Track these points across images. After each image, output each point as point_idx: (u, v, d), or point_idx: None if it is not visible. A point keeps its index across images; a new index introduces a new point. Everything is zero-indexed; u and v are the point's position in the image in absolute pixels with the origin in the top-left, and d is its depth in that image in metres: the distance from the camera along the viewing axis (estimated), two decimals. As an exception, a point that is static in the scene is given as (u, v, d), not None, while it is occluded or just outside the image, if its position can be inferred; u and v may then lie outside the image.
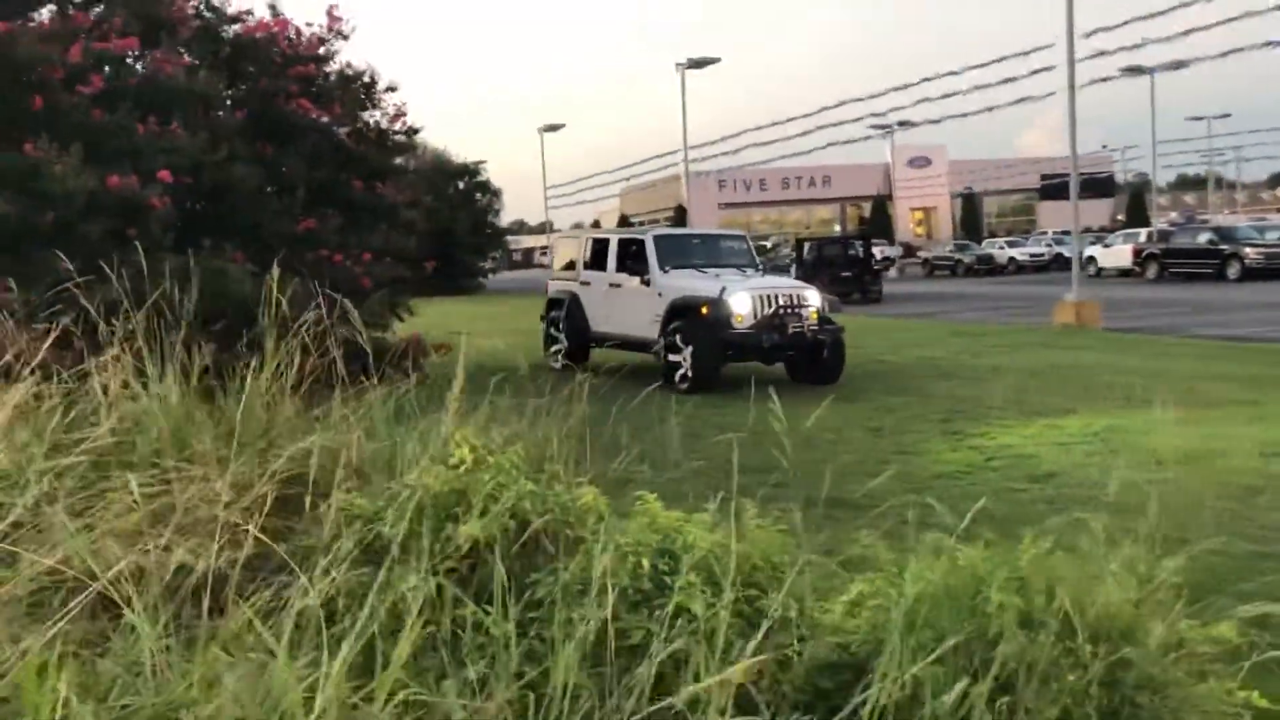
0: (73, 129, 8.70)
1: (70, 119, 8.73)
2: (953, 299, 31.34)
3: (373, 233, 11.88)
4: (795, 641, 2.92)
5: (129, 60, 10.12)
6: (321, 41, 12.06)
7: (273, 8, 11.87)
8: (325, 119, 11.77)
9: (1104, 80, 33.98)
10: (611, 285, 13.97)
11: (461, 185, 49.15)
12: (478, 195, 50.16)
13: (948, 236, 66.74)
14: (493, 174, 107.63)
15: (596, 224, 77.03)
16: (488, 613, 2.95)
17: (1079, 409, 10.23)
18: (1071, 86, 19.41)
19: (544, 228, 63.33)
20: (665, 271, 13.24)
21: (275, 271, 5.33)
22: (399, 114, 13.08)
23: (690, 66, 37.61)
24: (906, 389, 12.21)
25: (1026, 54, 36.36)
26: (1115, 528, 6.15)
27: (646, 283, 13.27)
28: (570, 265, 15.09)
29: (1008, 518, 5.78)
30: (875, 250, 48.74)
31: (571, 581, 3.01)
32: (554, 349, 14.72)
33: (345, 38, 12.34)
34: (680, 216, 52.04)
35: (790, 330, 12.35)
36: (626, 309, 13.50)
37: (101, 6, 9.92)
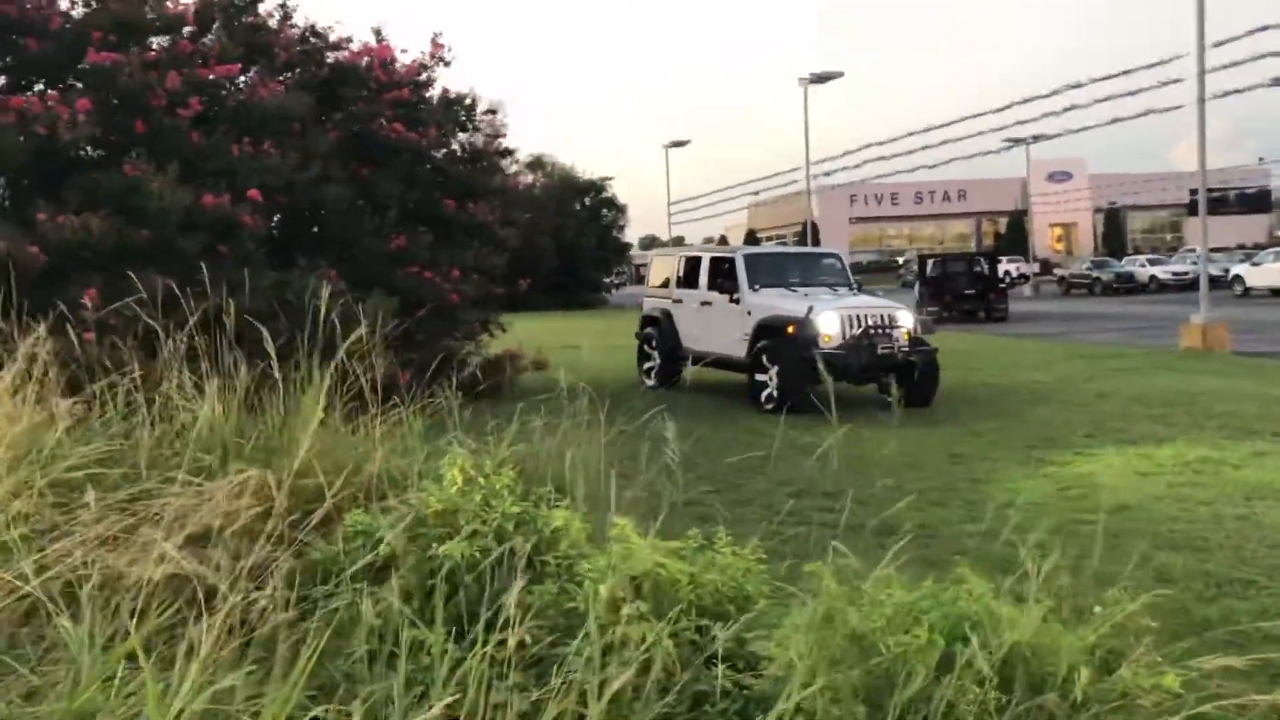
0: (171, 151, 9.20)
1: (169, 141, 9.23)
2: (1084, 319, 30.16)
3: (465, 250, 12.20)
4: (723, 672, 2.88)
5: (237, 85, 10.63)
6: (423, 68, 12.44)
7: (377, 33, 12.32)
8: (424, 141, 12.12)
9: (1239, 91, 32.01)
10: (703, 303, 13.97)
11: (588, 201, 49.84)
12: (604, 211, 50.78)
13: (1089, 253, 64.37)
14: (623, 191, 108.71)
15: (724, 240, 77.08)
16: (456, 632, 3.03)
17: (1176, 438, 9.74)
18: (1201, 99, 18.57)
19: (672, 243, 63.78)
20: (755, 290, 13.16)
21: (325, 290, 5.51)
22: (496, 135, 13.43)
23: (813, 81, 37.26)
24: (1001, 414, 11.82)
25: (1151, 66, 34.72)
26: (1172, 566, 5.84)
27: (736, 301, 13.23)
28: (665, 283, 15.15)
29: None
30: (1010, 267, 47.43)
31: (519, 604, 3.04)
32: (647, 366, 14.81)
33: (447, 64, 12.72)
34: (804, 231, 51.59)
35: (879, 351, 12.11)
36: (716, 327, 13.47)
37: (209, 36, 10.46)
